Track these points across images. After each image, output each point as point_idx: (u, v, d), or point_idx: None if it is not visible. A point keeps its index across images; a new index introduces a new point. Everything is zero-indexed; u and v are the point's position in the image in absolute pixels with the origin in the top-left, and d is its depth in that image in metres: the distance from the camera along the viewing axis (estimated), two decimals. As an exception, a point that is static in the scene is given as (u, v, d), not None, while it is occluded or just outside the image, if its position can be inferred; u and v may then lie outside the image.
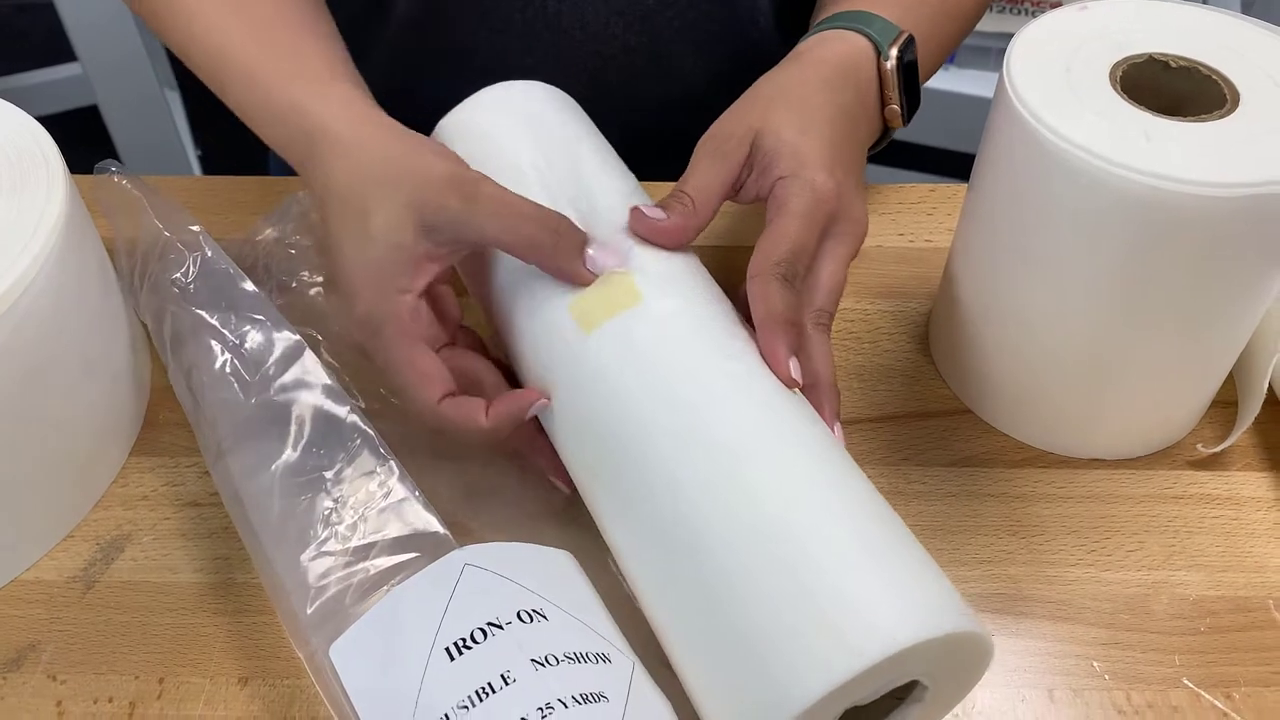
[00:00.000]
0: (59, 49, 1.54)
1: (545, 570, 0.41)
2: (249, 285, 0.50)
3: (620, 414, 0.40)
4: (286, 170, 0.77)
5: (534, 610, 0.38)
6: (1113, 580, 0.46)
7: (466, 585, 0.39)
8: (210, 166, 1.65)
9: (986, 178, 0.48)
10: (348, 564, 0.41)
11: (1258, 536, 0.48)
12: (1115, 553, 0.47)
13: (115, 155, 1.50)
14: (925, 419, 0.53)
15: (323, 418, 0.45)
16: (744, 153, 0.46)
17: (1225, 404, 0.52)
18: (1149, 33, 0.46)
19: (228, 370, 0.47)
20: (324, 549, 0.42)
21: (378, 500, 0.43)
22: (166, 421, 0.52)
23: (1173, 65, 0.45)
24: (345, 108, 0.45)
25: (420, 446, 0.48)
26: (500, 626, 0.37)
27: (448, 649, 0.37)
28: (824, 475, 0.38)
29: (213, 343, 0.48)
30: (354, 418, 0.45)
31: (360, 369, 0.51)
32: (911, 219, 0.62)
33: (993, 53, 1.45)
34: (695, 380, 0.40)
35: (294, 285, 0.55)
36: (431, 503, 0.44)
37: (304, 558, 0.41)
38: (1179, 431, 0.52)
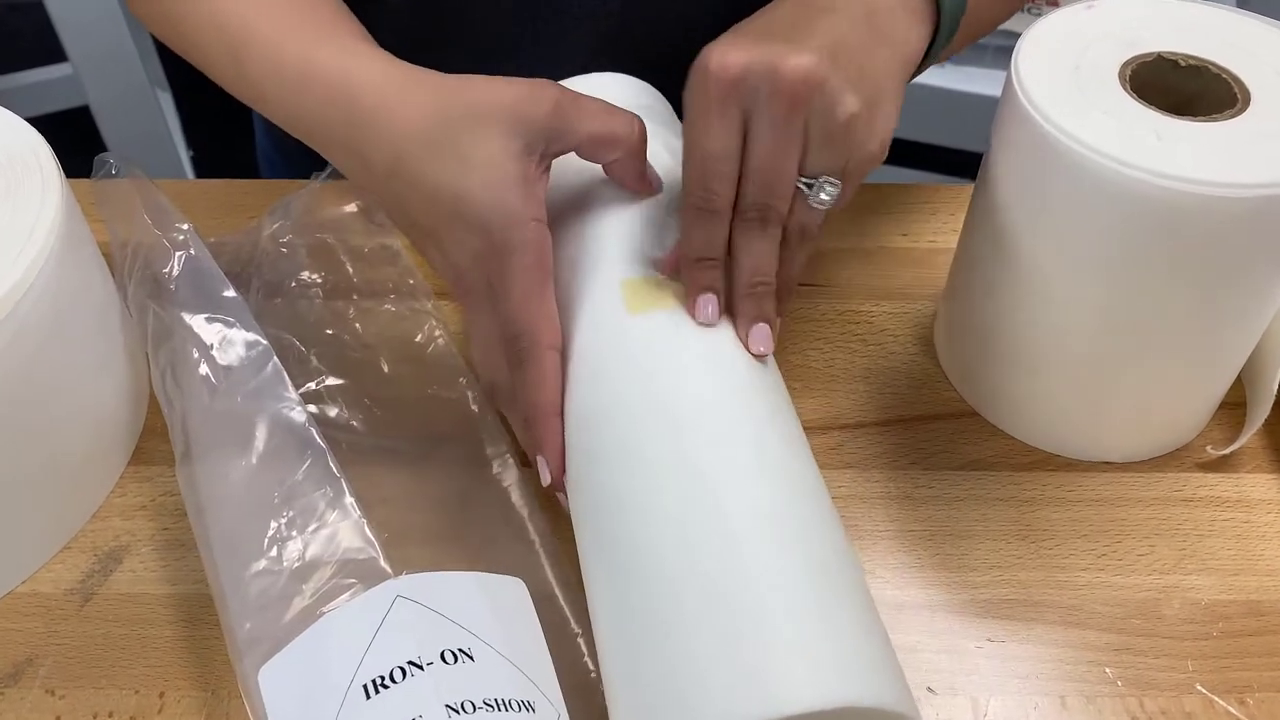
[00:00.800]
0: (49, 49, 1.53)
1: (486, 603, 0.40)
2: (229, 291, 0.49)
3: (614, 410, 0.40)
4: (275, 172, 0.77)
5: (461, 649, 0.37)
6: (1124, 585, 0.46)
7: (395, 618, 0.38)
8: (202, 167, 1.64)
9: (994, 178, 0.47)
10: (287, 584, 0.40)
11: (1269, 539, 0.48)
12: (1126, 557, 0.47)
13: (107, 156, 1.50)
14: (932, 422, 0.52)
15: (281, 431, 0.45)
16: None
17: (1234, 405, 0.52)
18: (1157, 31, 0.46)
19: (199, 373, 0.47)
20: (267, 567, 0.41)
21: (325, 521, 0.42)
22: (165, 429, 0.51)
23: (1182, 64, 0.45)
24: (388, 64, 0.44)
25: (407, 456, 0.47)
26: (420, 667, 0.37)
27: (365, 686, 0.36)
28: (793, 516, 0.37)
29: (187, 344, 0.48)
30: (312, 432, 0.44)
31: (353, 378, 0.50)
32: (915, 220, 0.62)
33: (991, 49, 1.45)
34: (689, 404, 0.39)
35: (293, 285, 0.54)
36: (415, 511, 0.43)
37: (248, 574, 0.41)
38: (1188, 433, 0.51)
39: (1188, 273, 0.43)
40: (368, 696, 0.36)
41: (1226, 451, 0.50)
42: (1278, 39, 0.45)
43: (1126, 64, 0.44)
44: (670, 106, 0.53)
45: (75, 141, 1.55)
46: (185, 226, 0.52)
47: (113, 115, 1.50)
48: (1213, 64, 0.44)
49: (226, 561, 0.41)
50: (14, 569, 0.45)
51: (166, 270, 0.50)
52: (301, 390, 0.48)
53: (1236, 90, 0.43)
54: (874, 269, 0.59)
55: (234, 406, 0.45)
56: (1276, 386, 0.48)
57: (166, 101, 1.60)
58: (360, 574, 0.40)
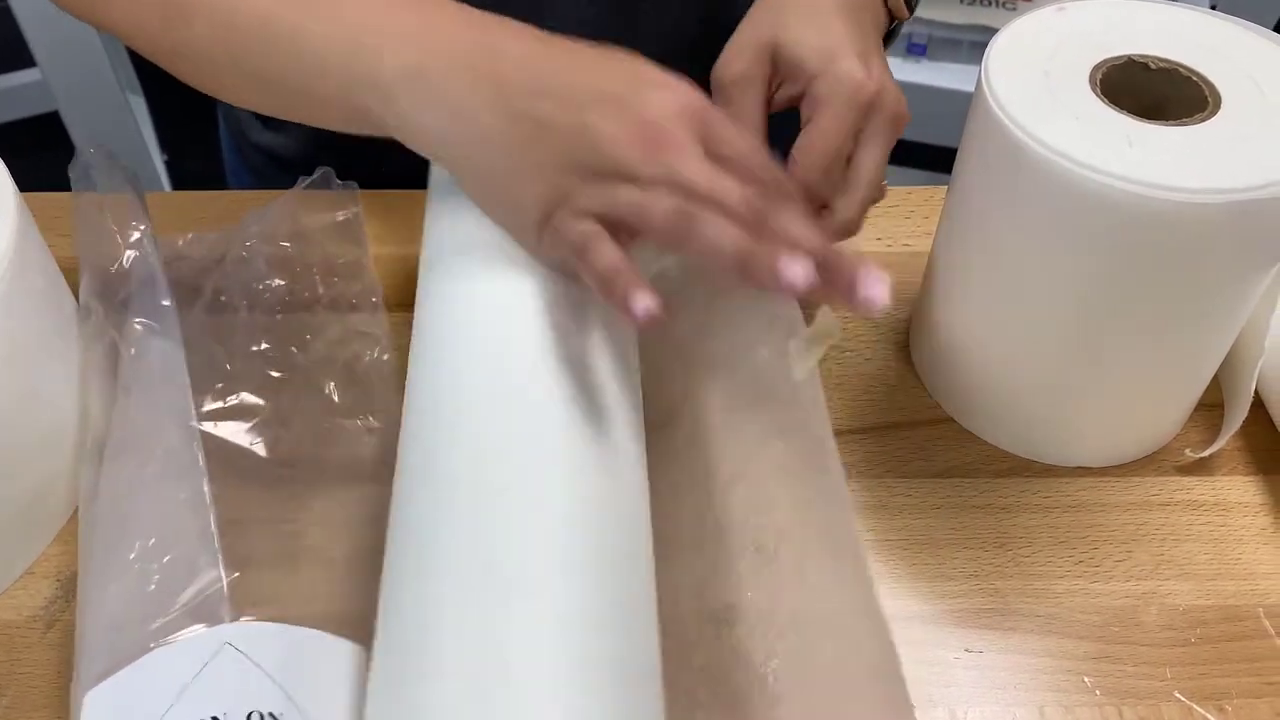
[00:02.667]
0: (16, 54, 1.51)
1: (312, 665, 0.39)
2: (165, 299, 0.48)
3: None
4: (243, 184, 0.75)
5: (270, 714, 0.37)
6: (1101, 592, 0.46)
7: (216, 667, 0.37)
8: (177, 170, 1.63)
9: (965, 183, 0.47)
10: (136, 609, 0.39)
11: (1245, 543, 0.47)
12: (1103, 563, 0.47)
13: (77, 163, 1.48)
14: (908, 429, 0.52)
15: (172, 450, 0.44)
16: (766, 70, 0.46)
17: (1210, 406, 0.52)
18: (1128, 33, 0.46)
19: (113, 376, 0.46)
20: (121, 589, 0.40)
21: (185, 550, 0.41)
22: (128, 449, 0.50)
23: (1153, 67, 0.44)
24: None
25: (310, 484, 0.46)
26: None
27: None
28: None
29: (112, 346, 0.47)
30: (196, 455, 0.43)
31: (272, 399, 0.49)
32: (890, 223, 0.61)
33: (965, 45, 1.45)
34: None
35: (245, 296, 0.53)
36: (337, 537, 0.42)
37: (104, 592, 0.40)
38: (1164, 437, 0.51)
39: (1161, 277, 0.42)
40: None
41: (1205, 454, 0.50)
42: (1249, 40, 0.45)
43: (1097, 67, 0.44)
44: None
45: (45, 148, 1.53)
46: (142, 227, 0.51)
47: (83, 120, 1.48)
48: (1184, 66, 0.44)
49: (89, 575, 0.41)
50: (-26, 596, 0.44)
51: (114, 268, 0.49)
52: (210, 408, 0.48)
53: (1207, 93, 0.43)
54: (849, 273, 0.58)
55: (135, 417, 0.45)
56: (1253, 389, 0.48)
57: (139, 105, 1.58)
58: (203, 612, 0.40)
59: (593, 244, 0.37)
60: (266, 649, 0.38)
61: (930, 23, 1.40)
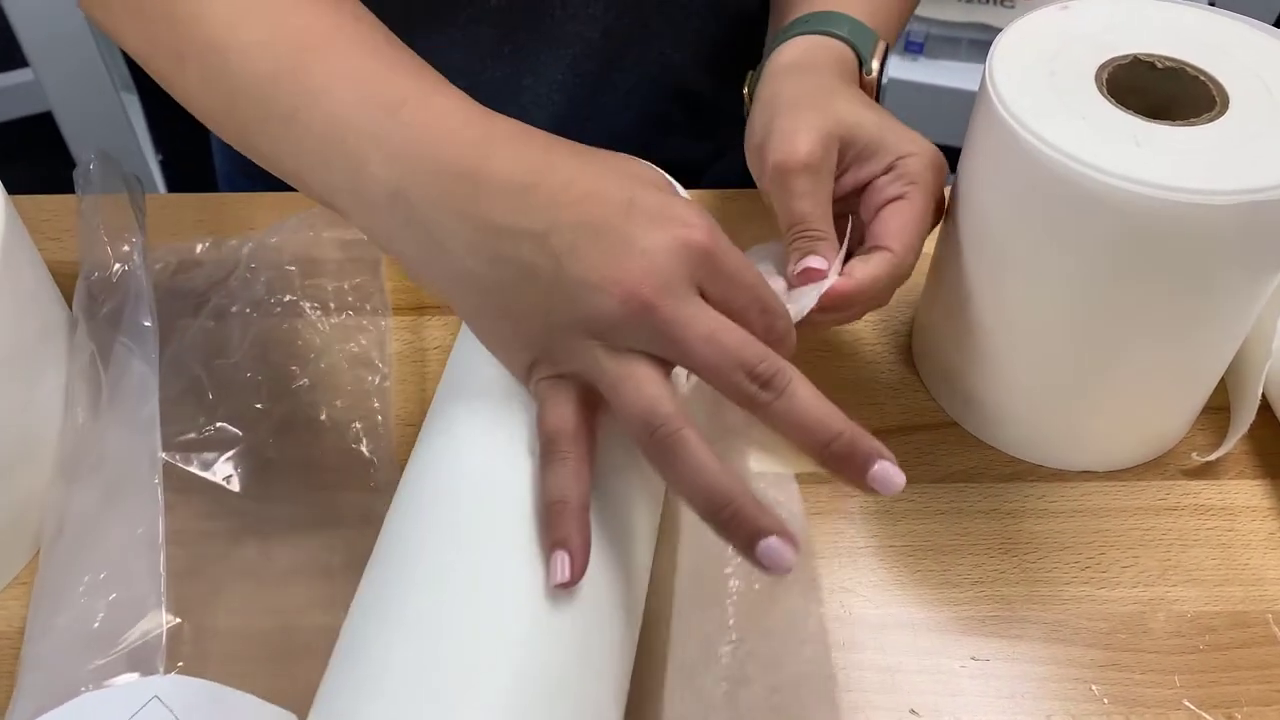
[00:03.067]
0: (9, 54, 1.50)
1: None
2: (147, 319, 0.47)
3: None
4: (234, 186, 0.74)
5: None
6: (1108, 598, 0.45)
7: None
8: (172, 171, 1.62)
9: (969, 185, 0.46)
10: (76, 647, 0.39)
11: (1254, 548, 0.47)
12: (1110, 569, 0.46)
13: (71, 163, 1.47)
14: (911, 433, 0.51)
15: (135, 481, 0.43)
16: (833, 160, 0.44)
17: (1216, 409, 0.51)
18: (1133, 32, 0.45)
19: (88, 397, 0.45)
20: (66, 623, 0.39)
21: (131, 591, 0.40)
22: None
23: (1159, 66, 0.44)
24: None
25: (310, 517, 0.45)
26: None
27: None
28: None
29: (91, 364, 0.46)
30: (156, 490, 0.42)
31: (251, 430, 0.48)
32: (891, 223, 0.60)
33: (963, 43, 1.44)
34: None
35: (240, 316, 0.52)
36: (298, 593, 0.41)
37: (55, 624, 0.39)
38: (1170, 440, 0.50)
39: (1169, 280, 0.42)
40: None
41: (1212, 458, 0.49)
42: (1256, 39, 0.44)
43: (1103, 66, 0.43)
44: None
45: (39, 149, 1.52)
46: (134, 239, 0.50)
47: (77, 121, 1.47)
48: (1190, 65, 0.43)
49: (41, 604, 0.40)
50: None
51: (102, 279, 0.49)
52: (185, 438, 0.47)
53: (1215, 92, 0.42)
54: (850, 275, 0.58)
55: (106, 440, 0.44)
56: (1260, 391, 0.48)
57: (133, 105, 1.57)
58: (139, 658, 0.39)
59: (547, 404, 0.35)
60: (196, 708, 0.37)
61: (928, 20, 1.39)
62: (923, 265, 0.53)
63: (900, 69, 1.41)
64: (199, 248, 0.56)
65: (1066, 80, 0.43)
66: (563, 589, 0.33)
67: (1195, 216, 0.39)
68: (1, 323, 0.42)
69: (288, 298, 0.53)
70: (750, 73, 0.51)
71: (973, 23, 1.41)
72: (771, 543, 0.32)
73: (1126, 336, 0.44)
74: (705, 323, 0.33)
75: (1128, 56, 0.44)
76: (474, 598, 0.33)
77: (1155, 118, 0.41)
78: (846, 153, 0.44)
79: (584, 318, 0.33)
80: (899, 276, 0.44)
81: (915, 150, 0.44)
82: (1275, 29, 0.45)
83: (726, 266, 0.34)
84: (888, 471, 0.33)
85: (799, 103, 0.45)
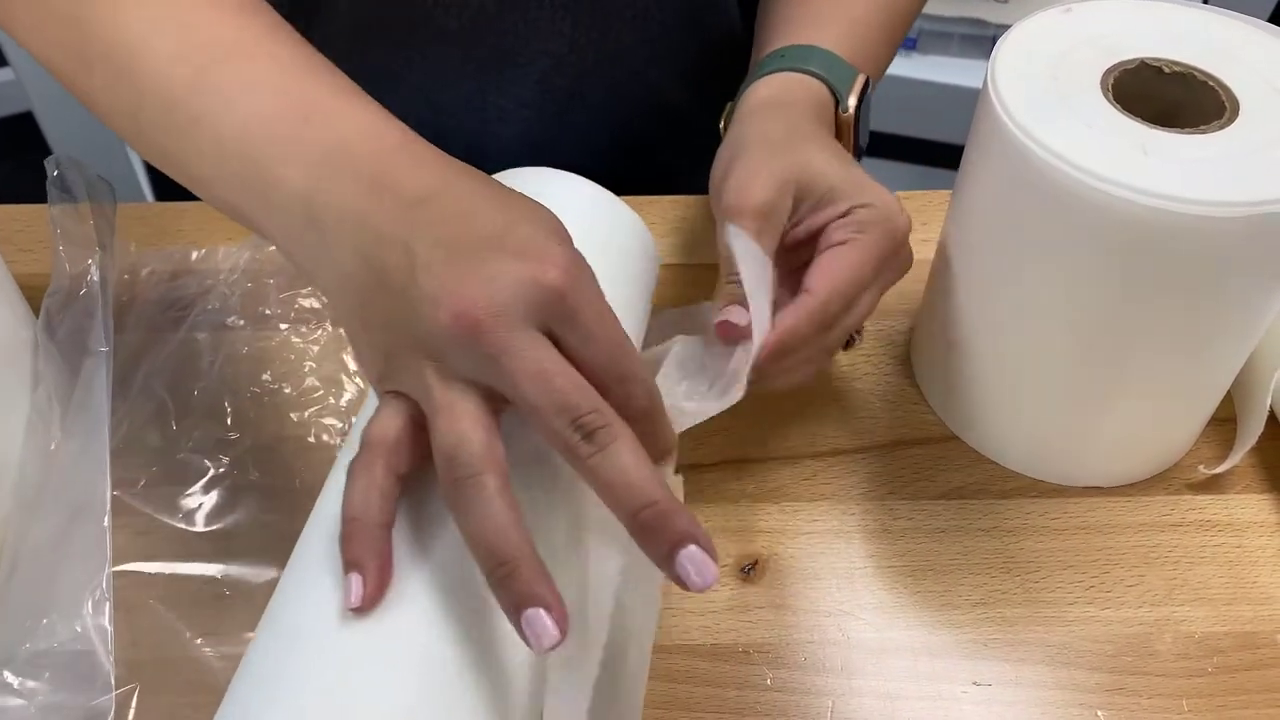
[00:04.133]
0: (-11, 53, 1.47)
1: None
2: (102, 345, 0.46)
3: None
4: None
5: None
6: (1114, 619, 0.44)
7: None
8: (156, 174, 1.59)
9: (970, 191, 0.45)
10: (25, 696, 0.38)
11: (1261, 565, 0.46)
12: (1115, 588, 0.45)
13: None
14: (910, 447, 0.50)
15: (84, 526, 0.42)
16: (789, 202, 0.42)
17: (1222, 421, 0.50)
18: (1139, 35, 0.43)
19: (40, 428, 0.44)
20: (19, 666, 0.38)
21: (79, 643, 0.39)
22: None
23: (1166, 71, 0.42)
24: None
25: (275, 554, 0.44)
26: None
27: None
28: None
29: (41, 391, 0.44)
30: (106, 540, 0.41)
31: (218, 462, 0.47)
32: (887, 229, 0.59)
33: (955, 38, 1.43)
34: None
35: (218, 331, 0.51)
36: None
37: (5, 674, 0.39)
38: (1176, 454, 0.49)
39: (1176, 292, 0.40)
40: None
41: (1218, 470, 0.48)
42: (1265, 42, 0.43)
43: (1109, 71, 0.42)
44: (616, 202, 0.46)
45: (19, 150, 1.50)
46: (95, 254, 0.48)
47: (58, 121, 1.45)
48: (1199, 70, 0.42)
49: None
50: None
51: (59, 298, 0.47)
52: (148, 473, 0.46)
53: (1224, 98, 0.41)
54: (845, 283, 0.56)
55: (57, 475, 0.42)
56: (1269, 404, 0.46)
57: (115, 105, 1.55)
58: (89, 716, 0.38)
59: (377, 413, 0.34)
60: None
61: (920, 15, 1.38)
62: (921, 273, 0.52)
63: (893, 64, 1.40)
64: (194, 255, 0.54)
65: (1071, 85, 0.41)
66: (357, 613, 0.31)
67: (1205, 228, 0.37)
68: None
69: (265, 311, 0.52)
70: (729, 104, 0.50)
71: (965, 18, 1.40)
72: (534, 614, 0.31)
73: (1132, 349, 0.43)
74: (537, 360, 0.32)
75: (1134, 61, 0.42)
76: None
77: (1163, 124, 0.40)
78: (803, 201, 0.43)
79: (420, 334, 0.32)
80: (824, 319, 0.41)
81: (872, 201, 0.42)
82: (1285, 31, 0.43)
83: (583, 317, 0.33)
84: (697, 559, 0.31)
85: (762, 146, 0.43)
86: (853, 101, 0.47)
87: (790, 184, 0.42)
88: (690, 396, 0.39)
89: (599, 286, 0.34)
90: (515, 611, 0.31)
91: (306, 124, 0.35)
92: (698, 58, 0.62)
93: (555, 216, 0.35)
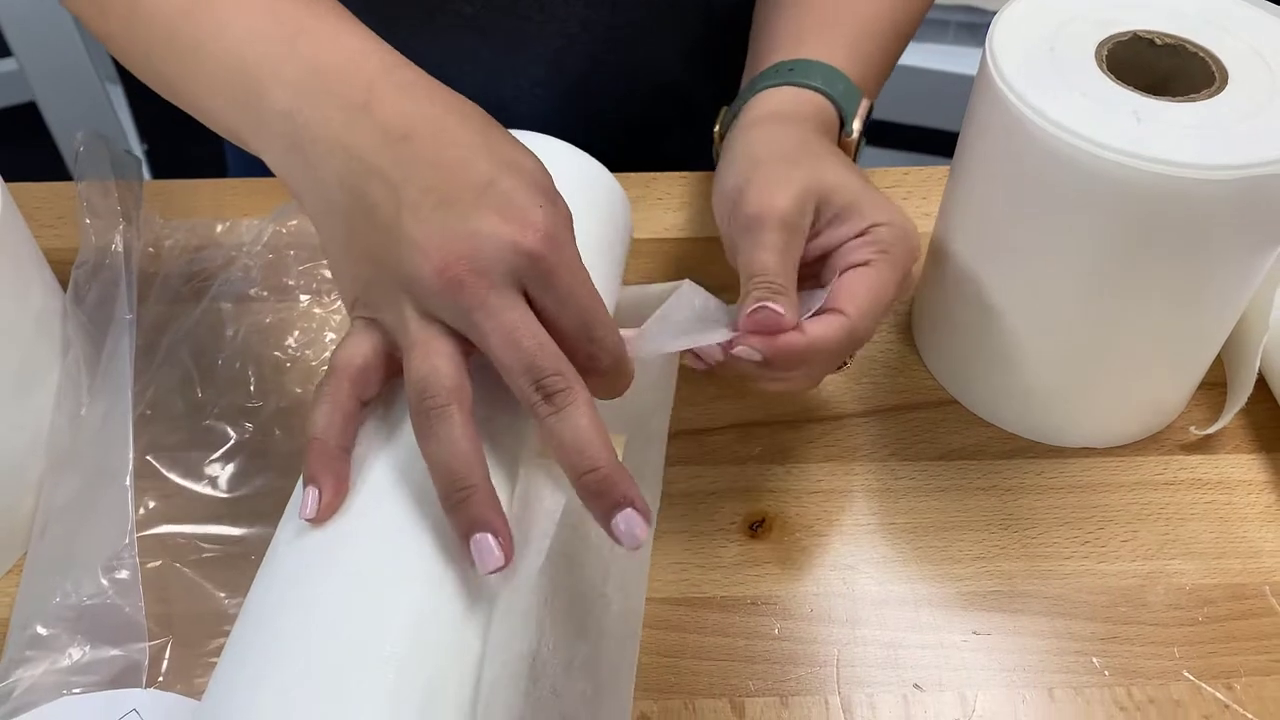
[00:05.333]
0: (-8, 43, 1.48)
1: None
2: (127, 313, 0.47)
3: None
4: (247, 169, 0.74)
5: None
6: (1108, 572, 0.46)
7: None
8: (157, 162, 1.61)
9: (969, 162, 0.46)
10: (57, 648, 0.39)
11: (1250, 521, 0.47)
12: (1109, 543, 0.46)
13: (56, 153, 1.46)
14: (911, 411, 0.51)
15: (108, 495, 0.43)
16: (809, 219, 0.42)
17: (1212, 385, 0.52)
18: (1132, 9, 0.45)
19: (71, 394, 0.45)
20: (50, 619, 0.40)
21: (108, 597, 0.40)
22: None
23: (1158, 42, 0.44)
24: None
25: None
26: None
27: None
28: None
29: (71, 358, 0.46)
30: (128, 508, 0.43)
31: (240, 432, 0.48)
32: (887, 204, 0.61)
33: (952, 25, 1.44)
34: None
35: (240, 305, 0.52)
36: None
37: (38, 627, 0.40)
38: (1168, 416, 0.51)
39: (1167, 255, 0.42)
40: None
41: (1209, 431, 0.49)
42: (1255, 16, 0.45)
43: (1103, 43, 0.43)
44: (609, 178, 0.47)
45: (23, 139, 1.51)
46: (121, 226, 0.50)
47: (61, 111, 1.45)
48: (1190, 42, 0.43)
49: (25, 601, 0.40)
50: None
51: (87, 269, 0.49)
52: (172, 438, 0.47)
53: (1214, 69, 0.42)
54: (847, 255, 0.58)
55: (84, 440, 0.44)
56: (1258, 366, 0.48)
57: (117, 95, 1.56)
58: (119, 671, 0.39)
59: (345, 339, 0.36)
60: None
61: (917, 3, 1.39)
62: (921, 244, 0.54)
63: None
64: (218, 228, 0.56)
65: (1067, 57, 0.43)
66: (312, 523, 0.33)
67: (1195, 191, 0.39)
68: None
69: (287, 282, 0.53)
70: (724, 109, 0.50)
71: (961, 5, 1.41)
72: (482, 538, 0.33)
73: (1125, 311, 0.44)
74: (511, 320, 0.33)
75: (1127, 33, 0.44)
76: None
77: (1155, 94, 0.41)
78: (821, 215, 0.42)
79: (403, 275, 0.34)
80: (852, 342, 0.41)
81: (889, 220, 0.42)
82: (1273, 5, 0.45)
83: (559, 280, 0.34)
84: (630, 520, 0.33)
85: (780, 156, 0.43)
86: (857, 126, 0.47)
87: (812, 195, 0.42)
88: (680, 333, 0.41)
89: (576, 249, 0.35)
90: (465, 534, 0.33)
91: (294, 43, 0.36)
92: (712, 41, 0.64)
93: (541, 165, 0.36)
